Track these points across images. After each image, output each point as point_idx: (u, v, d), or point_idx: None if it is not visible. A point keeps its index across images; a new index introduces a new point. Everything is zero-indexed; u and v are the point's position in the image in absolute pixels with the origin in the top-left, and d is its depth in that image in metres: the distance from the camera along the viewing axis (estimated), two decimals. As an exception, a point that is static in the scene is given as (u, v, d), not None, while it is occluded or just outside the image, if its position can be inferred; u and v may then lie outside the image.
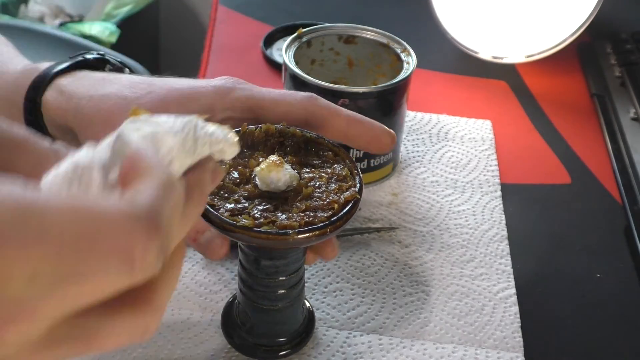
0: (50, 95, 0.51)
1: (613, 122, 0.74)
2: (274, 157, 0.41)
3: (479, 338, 0.50)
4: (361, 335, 0.50)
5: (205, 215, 0.39)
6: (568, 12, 0.77)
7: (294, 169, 0.42)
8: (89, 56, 0.54)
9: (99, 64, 0.55)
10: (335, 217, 0.40)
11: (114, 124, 0.47)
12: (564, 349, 0.51)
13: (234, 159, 0.43)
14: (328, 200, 0.41)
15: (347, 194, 0.41)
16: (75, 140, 0.51)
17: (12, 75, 0.54)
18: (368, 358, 0.48)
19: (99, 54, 0.55)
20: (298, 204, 0.40)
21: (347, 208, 0.40)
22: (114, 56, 0.56)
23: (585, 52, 0.86)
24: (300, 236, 0.38)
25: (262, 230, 0.38)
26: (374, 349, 0.49)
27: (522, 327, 0.51)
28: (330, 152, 0.45)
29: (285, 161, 0.42)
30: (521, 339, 0.50)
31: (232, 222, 0.39)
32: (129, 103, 0.48)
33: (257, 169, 0.41)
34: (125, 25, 1.57)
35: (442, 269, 0.55)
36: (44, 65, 0.54)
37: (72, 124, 0.50)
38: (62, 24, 1.60)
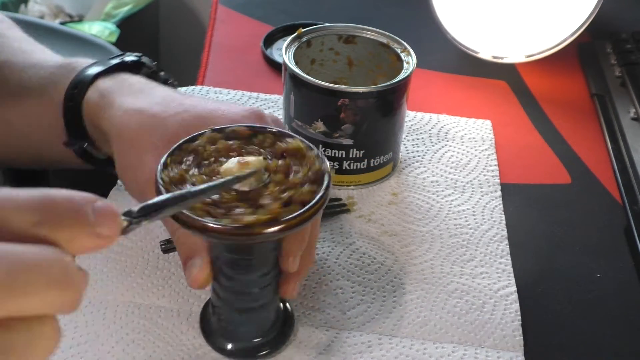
0: (91, 97, 0.53)
1: (613, 122, 0.73)
2: (239, 157, 0.41)
3: (479, 337, 0.50)
4: (361, 335, 0.50)
5: (174, 215, 0.39)
6: (568, 12, 0.77)
7: (262, 173, 0.42)
8: (127, 59, 0.57)
9: (136, 66, 0.57)
10: (299, 212, 0.39)
11: (139, 143, 0.48)
12: (564, 349, 0.51)
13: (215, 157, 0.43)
14: (293, 195, 0.40)
15: (306, 188, 0.41)
16: (109, 144, 0.52)
17: (46, 69, 0.56)
18: (368, 357, 0.48)
19: (136, 56, 0.58)
20: (265, 201, 0.40)
21: (310, 204, 0.40)
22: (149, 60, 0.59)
23: (585, 52, 0.86)
24: (266, 230, 0.38)
25: (228, 226, 0.38)
26: (373, 348, 0.49)
27: (522, 326, 0.51)
28: (300, 149, 0.44)
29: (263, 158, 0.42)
30: (521, 338, 0.50)
31: (198, 218, 0.38)
32: (156, 122, 0.50)
33: (222, 168, 0.41)
34: (125, 25, 1.57)
35: (442, 268, 0.55)
36: (80, 62, 0.56)
37: (107, 131, 0.52)
38: (61, 24, 1.60)
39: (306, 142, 0.45)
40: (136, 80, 0.54)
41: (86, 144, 0.55)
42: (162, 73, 0.59)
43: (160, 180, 0.40)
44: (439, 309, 0.52)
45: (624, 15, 0.94)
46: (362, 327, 0.50)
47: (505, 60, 0.81)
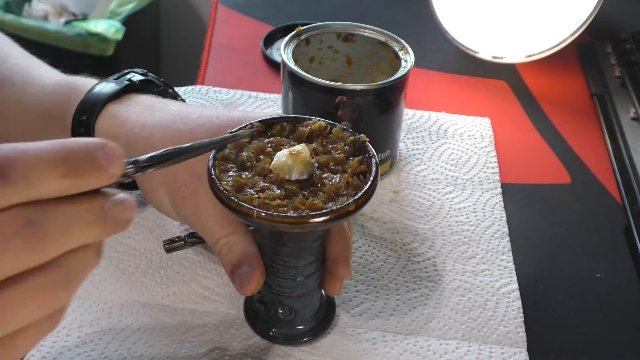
0: (101, 124, 0.51)
1: (613, 122, 0.74)
2: (288, 149, 0.42)
3: (483, 333, 0.50)
4: (365, 332, 0.50)
5: (223, 200, 0.40)
6: (568, 12, 0.78)
7: (312, 158, 0.43)
8: (134, 79, 0.54)
9: (144, 86, 0.55)
10: (348, 201, 0.40)
11: None
12: (566, 346, 0.51)
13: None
14: (343, 185, 0.41)
15: (353, 162, 0.43)
16: None
17: (44, 89, 0.54)
18: (373, 354, 0.48)
19: (142, 74, 0.55)
20: (315, 190, 0.41)
21: (360, 193, 0.41)
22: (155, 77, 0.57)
23: (585, 52, 0.86)
24: (316, 220, 0.39)
25: (278, 214, 0.39)
26: (378, 345, 0.49)
27: (524, 323, 0.51)
28: (323, 127, 0.45)
29: (311, 149, 0.43)
30: (524, 334, 0.50)
31: (249, 206, 0.39)
32: (181, 136, 0.48)
33: (273, 164, 0.42)
34: (127, 23, 1.57)
35: (444, 265, 0.56)
36: (82, 81, 0.54)
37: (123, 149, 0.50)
38: (66, 22, 1.60)
39: (325, 120, 0.46)
40: (147, 100, 0.53)
41: None
42: (170, 90, 0.57)
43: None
44: (442, 307, 0.52)
45: (624, 15, 0.95)
46: (366, 325, 0.51)
47: (505, 60, 0.81)
